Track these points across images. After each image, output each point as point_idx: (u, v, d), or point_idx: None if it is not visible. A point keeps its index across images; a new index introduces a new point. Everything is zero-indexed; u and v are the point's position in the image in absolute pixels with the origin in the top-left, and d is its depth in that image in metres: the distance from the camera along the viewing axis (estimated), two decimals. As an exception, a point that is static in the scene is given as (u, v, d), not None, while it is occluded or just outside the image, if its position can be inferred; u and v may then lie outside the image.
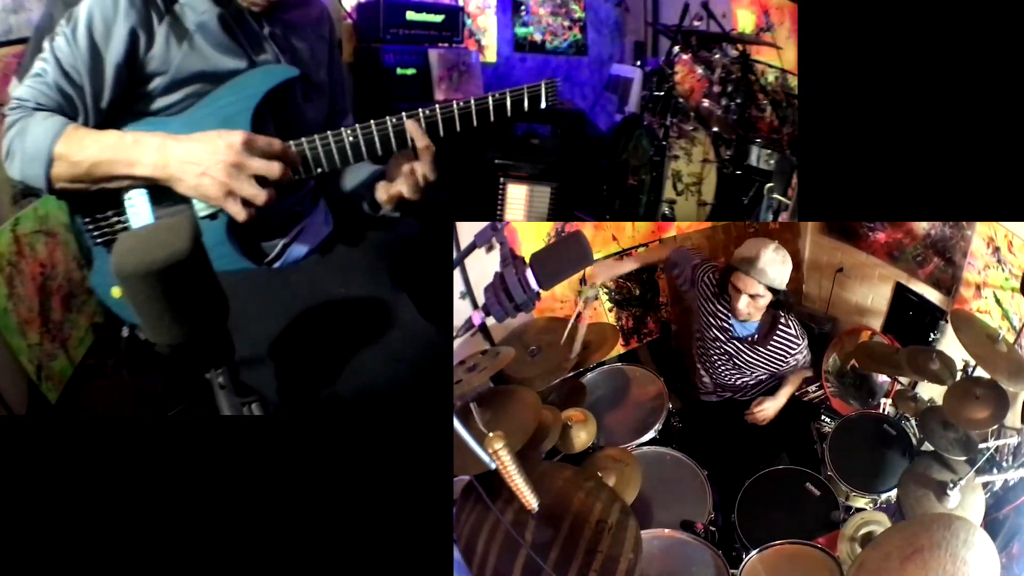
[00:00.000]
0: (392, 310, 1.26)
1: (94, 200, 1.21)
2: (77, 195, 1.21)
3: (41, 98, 1.16)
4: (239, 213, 1.16)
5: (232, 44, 1.25)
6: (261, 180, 1.16)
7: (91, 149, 1.14)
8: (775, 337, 2.04)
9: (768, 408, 2.07)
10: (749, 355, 2.10)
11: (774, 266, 1.88)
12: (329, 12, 1.55)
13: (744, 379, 2.19)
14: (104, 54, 1.15)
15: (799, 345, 2.05)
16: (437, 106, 1.28)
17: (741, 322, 2.07)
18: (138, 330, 1.35)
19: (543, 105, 1.31)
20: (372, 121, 1.26)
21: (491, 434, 1.06)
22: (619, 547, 1.20)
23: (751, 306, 1.94)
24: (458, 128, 1.30)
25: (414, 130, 1.25)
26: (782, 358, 2.06)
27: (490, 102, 1.29)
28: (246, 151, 1.14)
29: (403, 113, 1.27)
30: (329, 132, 1.25)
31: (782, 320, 2.05)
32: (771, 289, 1.92)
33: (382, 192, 1.35)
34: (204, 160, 1.13)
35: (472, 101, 1.28)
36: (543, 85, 1.29)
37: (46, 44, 1.16)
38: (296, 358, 1.18)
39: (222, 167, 1.12)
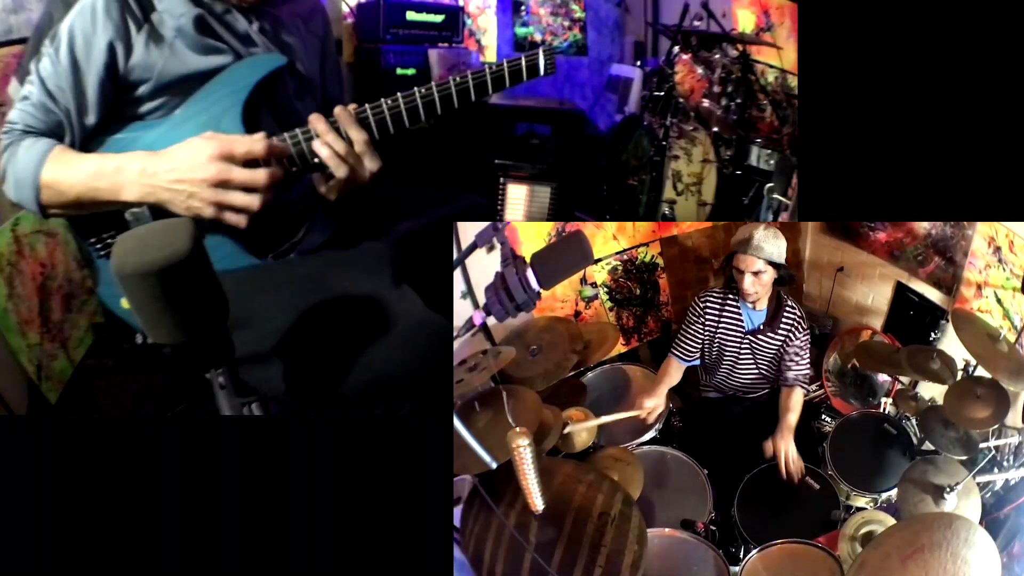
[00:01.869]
0: (397, 301, 1.25)
1: (96, 219, 1.21)
2: (78, 217, 1.21)
3: (29, 119, 1.16)
4: (239, 222, 1.16)
5: (214, 44, 1.24)
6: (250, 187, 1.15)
7: (75, 179, 1.13)
8: (783, 319, 2.09)
9: (784, 452, 1.92)
10: (764, 343, 2.12)
11: (768, 241, 1.94)
12: (323, 7, 1.54)
13: (758, 371, 2.20)
14: (86, 70, 1.15)
15: (804, 329, 2.10)
16: (434, 84, 1.25)
17: (749, 311, 2.10)
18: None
19: (542, 73, 1.28)
20: (367, 104, 1.24)
21: (517, 428, 1.05)
22: (623, 539, 1.20)
23: (756, 284, 1.99)
24: (456, 104, 1.26)
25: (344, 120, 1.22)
26: (788, 338, 2.10)
27: (487, 75, 1.26)
28: (228, 163, 1.12)
29: (399, 94, 1.24)
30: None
31: (788, 303, 2.10)
32: (772, 264, 1.97)
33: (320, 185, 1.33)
34: (188, 182, 1.11)
35: (469, 75, 1.25)
36: (540, 52, 1.26)
37: (32, 67, 1.16)
38: (302, 351, 1.18)
39: (207, 186, 1.11)
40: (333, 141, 1.21)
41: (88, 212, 1.18)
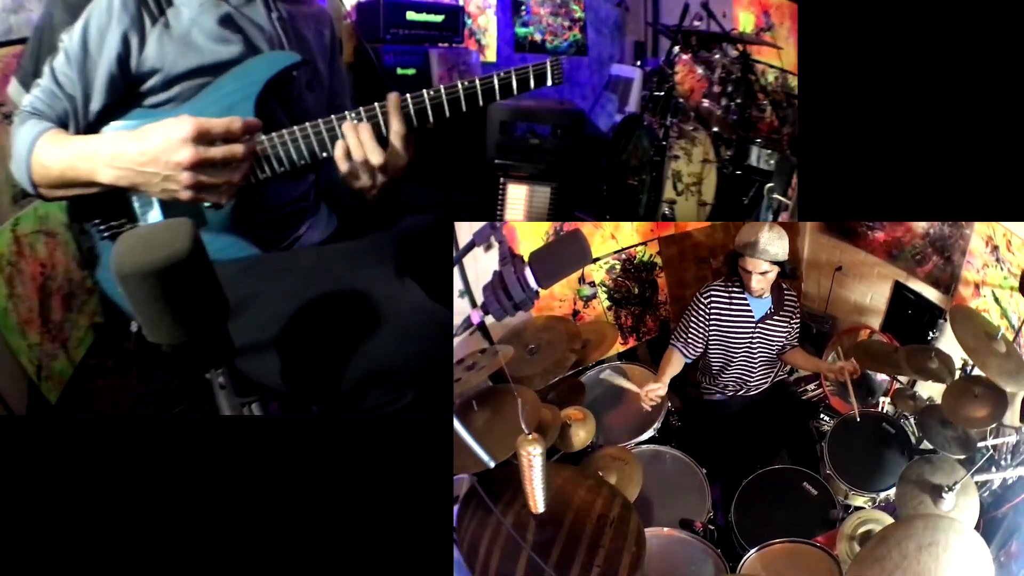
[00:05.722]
0: (399, 291, 1.26)
1: (101, 200, 1.21)
2: (76, 198, 1.21)
3: (38, 103, 1.18)
4: (219, 199, 1.16)
5: (230, 34, 1.25)
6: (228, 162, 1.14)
7: (58, 157, 1.14)
8: (786, 303, 2.23)
9: (825, 368, 2.33)
10: (772, 328, 2.22)
11: (773, 244, 2.04)
12: (327, 10, 1.55)
13: (767, 359, 2.28)
14: (97, 60, 1.16)
15: (798, 306, 2.29)
16: (442, 87, 1.26)
17: (755, 301, 2.19)
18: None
19: (550, 83, 1.30)
20: (376, 104, 1.25)
21: (530, 435, 1.05)
22: (621, 541, 1.20)
23: (762, 282, 2.11)
24: (464, 108, 1.28)
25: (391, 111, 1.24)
26: (791, 318, 2.25)
27: (495, 81, 1.27)
28: (204, 143, 1.10)
29: (395, 93, 1.25)
30: (333, 116, 1.25)
31: (784, 287, 2.25)
32: (775, 263, 2.08)
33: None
34: (162, 164, 1.10)
35: (477, 81, 1.26)
36: (548, 63, 1.29)
37: (47, 60, 1.18)
38: (304, 339, 1.18)
39: (183, 168, 1.09)
40: (362, 132, 1.22)
41: (75, 192, 1.18)
